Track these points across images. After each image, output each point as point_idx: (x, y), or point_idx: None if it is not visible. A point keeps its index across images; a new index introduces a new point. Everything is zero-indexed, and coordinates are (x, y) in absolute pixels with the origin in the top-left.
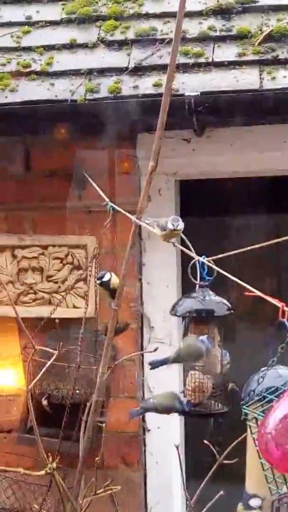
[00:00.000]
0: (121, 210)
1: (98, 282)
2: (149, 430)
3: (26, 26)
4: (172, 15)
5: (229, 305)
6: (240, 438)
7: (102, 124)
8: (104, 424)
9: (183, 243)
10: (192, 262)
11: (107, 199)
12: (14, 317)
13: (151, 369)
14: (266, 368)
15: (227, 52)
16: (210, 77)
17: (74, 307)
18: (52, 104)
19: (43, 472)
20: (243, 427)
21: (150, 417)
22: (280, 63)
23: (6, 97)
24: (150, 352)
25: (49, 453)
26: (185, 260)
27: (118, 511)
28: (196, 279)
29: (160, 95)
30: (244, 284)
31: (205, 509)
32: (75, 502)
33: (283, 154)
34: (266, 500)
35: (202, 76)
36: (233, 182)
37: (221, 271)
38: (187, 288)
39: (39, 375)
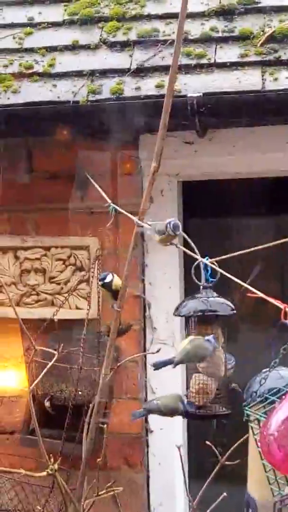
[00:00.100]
0: (123, 211)
1: (100, 283)
2: (152, 432)
3: (28, 27)
4: (174, 16)
5: (232, 306)
6: (242, 439)
7: (105, 125)
8: (106, 426)
9: (186, 244)
10: (195, 264)
11: (109, 201)
12: (16, 318)
13: (154, 370)
14: (268, 369)
15: (229, 53)
16: (212, 78)
17: (77, 308)
18: (55, 105)
19: (44, 473)
20: (246, 428)
21: (153, 418)
22: (282, 64)
23: (8, 98)
24: (153, 353)
25: (51, 455)
26: (188, 261)
27: None
28: (199, 280)
29: (162, 96)
30: (247, 286)
31: (208, 511)
32: (77, 503)
33: (286, 155)
34: (268, 501)
35: (204, 77)
36: (235, 183)
37: (224, 272)
38: (190, 289)
39: (40, 376)
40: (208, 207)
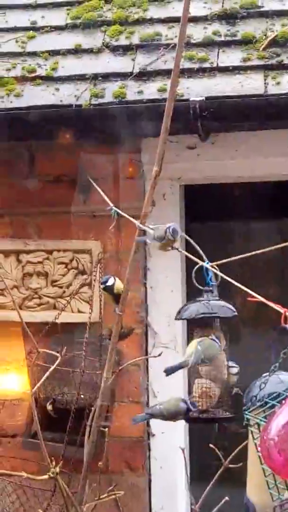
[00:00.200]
0: (125, 215)
1: (102, 286)
2: (153, 435)
3: (31, 31)
4: (176, 20)
5: (233, 309)
6: (244, 443)
7: (107, 129)
8: (108, 429)
9: (188, 248)
10: (196, 267)
11: (111, 204)
12: (19, 321)
13: (166, 375)
14: (268, 373)
15: (232, 57)
16: (215, 82)
17: (79, 311)
18: (57, 109)
19: (46, 476)
20: (247, 432)
21: (155, 422)
22: (284, 68)
23: (11, 102)
24: (155, 357)
25: (53, 458)
26: (189, 265)
27: None
28: (200, 284)
29: (165, 100)
30: (247, 290)
31: None
32: (79, 507)
33: None
34: (267, 506)
35: (206, 81)
36: (237, 187)
37: (224, 276)
38: (191, 293)
39: (42, 379)
40: (210, 211)
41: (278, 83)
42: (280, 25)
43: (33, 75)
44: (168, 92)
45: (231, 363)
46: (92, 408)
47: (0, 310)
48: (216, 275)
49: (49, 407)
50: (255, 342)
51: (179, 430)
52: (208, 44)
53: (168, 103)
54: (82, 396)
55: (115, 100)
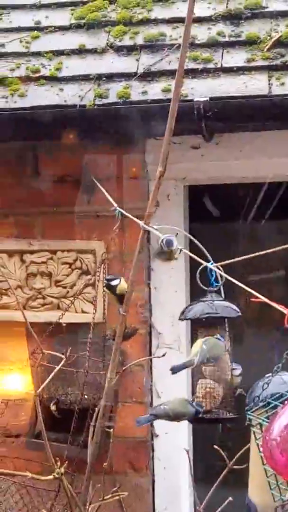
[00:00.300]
0: (129, 215)
1: (105, 282)
2: (157, 436)
3: (35, 31)
4: (180, 20)
5: (237, 309)
6: (249, 445)
7: (111, 129)
8: (112, 429)
9: (192, 248)
10: (200, 268)
11: (115, 204)
12: (22, 321)
13: (172, 374)
14: (271, 374)
15: (236, 58)
16: (219, 83)
17: (83, 312)
18: (61, 109)
19: (51, 477)
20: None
21: (158, 422)
22: None
23: (15, 102)
24: (159, 357)
25: (57, 458)
26: (193, 265)
27: None
28: (204, 285)
29: (169, 100)
30: (251, 290)
31: None
32: (83, 507)
33: None
34: (269, 507)
35: (211, 81)
36: (242, 187)
37: (228, 277)
38: (195, 294)
39: (48, 380)
40: (215, 211)
41: (282, 84)
42: (285, 26)
43: (37, 75)
44: (173, 92)
45: (234, 365)
46: (96, 408)
47: (4, 310)
48: (220, 275)
49: (53, 408)
50: (259, 342)
51: (182, 431)
52: (212, 44)
53: (172, 104)
54: (85, 396)
55: (119, 100)
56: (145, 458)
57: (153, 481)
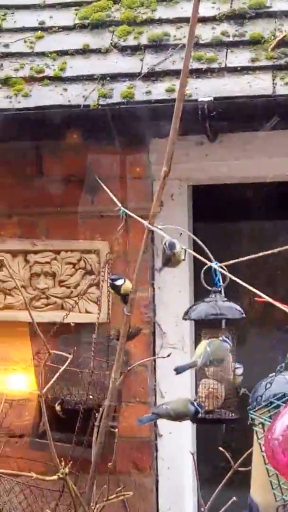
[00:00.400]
0: (133, 215)
1: (110, 282)
2: (161, 436)
3: (39, 31)
4: (185, 20)
5: (241, 310)
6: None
7: (115, 129)
8: (116, 429)
9: (197, 248)
10: (204, 268)
11: (119, 204)
12: (26, 321)
13: (177, 374)
14: (274, 374)
15: (240, 58)
16: (223, 83)
17: (87, 312)
18: (65, 109)
19: (55, 477)
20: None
21: (162, 422)
22: None
23: (19, 102)
24: (163, 357)
25: (61, 458)
26: (197, 265)
27: None
28: (208, 285)
29: (173, 100)
30: (255, 290)
31: None
32: (87, 507)
33: None
34: (271, 506)
35: (215, 81)
36: (246, 187)
37: (232, 277)
38: (199, 294)
39: (53, 380)
40: (219, 211)
41: (286, 84)
42: None
43: (41, 75)
44: (177, 92)
45: (236, 364)
46: (100, 408)
47: (8, 310)
48: (224, 276)
49: (58, 408)
50: (262, 342)
51: (186, 431)
52: (216, 44)
53: (177, 104)
54: (90, 396)
55: (123, 100)
56: (149, 458)
57: (157, 481)
